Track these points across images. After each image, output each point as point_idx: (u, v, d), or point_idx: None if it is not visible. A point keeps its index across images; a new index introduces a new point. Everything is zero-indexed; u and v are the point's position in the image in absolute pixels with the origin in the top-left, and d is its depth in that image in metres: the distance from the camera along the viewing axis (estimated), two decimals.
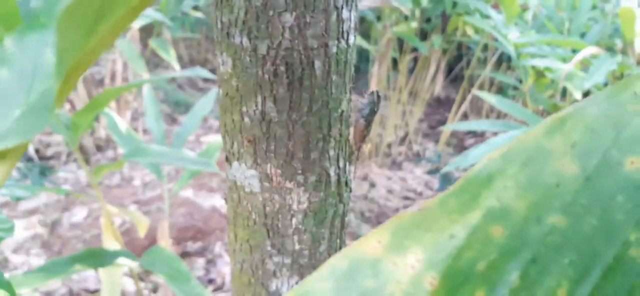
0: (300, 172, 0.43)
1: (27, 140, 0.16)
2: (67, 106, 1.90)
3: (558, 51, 1.82)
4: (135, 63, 1.74)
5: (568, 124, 0.19)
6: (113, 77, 1.92)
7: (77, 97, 1.86)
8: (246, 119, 0.41)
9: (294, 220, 0.44)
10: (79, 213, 1.60)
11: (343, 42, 0.41)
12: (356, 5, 0.41)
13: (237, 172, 0.44)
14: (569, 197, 0.18)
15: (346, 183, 0.46)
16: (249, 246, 0.46)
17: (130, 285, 1.45)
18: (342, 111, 0.43)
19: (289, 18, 0.38)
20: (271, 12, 0.37)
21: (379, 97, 0.47)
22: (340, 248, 0.49)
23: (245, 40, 0.39)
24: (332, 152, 0.44)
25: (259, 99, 0.40)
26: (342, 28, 0.40)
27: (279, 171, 0.42)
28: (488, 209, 0.18)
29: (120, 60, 1.90)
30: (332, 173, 0.44)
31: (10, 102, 0.18)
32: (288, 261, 0.46)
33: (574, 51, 1.77)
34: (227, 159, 0.45)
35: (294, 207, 0.44)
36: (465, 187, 0.19)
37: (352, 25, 0.41)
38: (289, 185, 0.43)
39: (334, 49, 0.40)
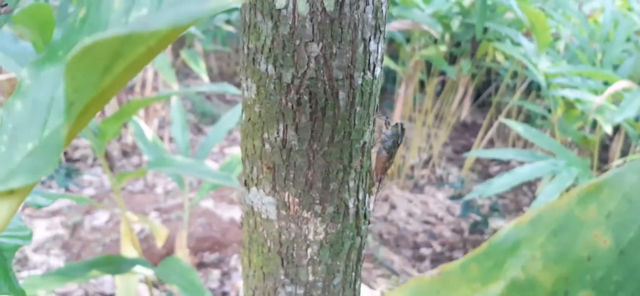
0: (318, 202, 0.42)
1: (36, 181, 0.16)
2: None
3: (589, 83, 1.78)
4: (166, 73, 1.77)
5: (604, 192, 0.17)
6: (143, 85, 1.95)
7: (108, 103, 1.89)
8: (267, 146, 0.41)
9: (309, 251, 0.43)
10: (100, 217, 1.62)
11: (369, 74, 0.40)
12: (384, 38, 0.41)
13: (255, 198, 0.43)
14: (601, 272, 0.16)
15: (365, 216, 0.45)
16: (262, 273, 0.45)
17: (145, 291, 1.46)
18: (365, 142, 0.42)
19: (315, 48, 0.37)
20: (298, 42, 0.37)
21: (403, 129, 0.46)
22: (356, 281, 0.47)
23: (270, 68, 0.38)
24: (352, 184, 0.43)
25: (281, 127, 0.40)
26: (369, 60, 0.39)
27: (296, 200, 0.42)
28: (512, 280, 0.17)
29: (151, 68, 1.93)
30: (350, 204, 0.43)
31: (23, 136, 0.18)
32: (301, 291, 0.45)
33: (606, 84, 1.73)
34: (245, 184, 0.44)
35: (310, 237, 0.43)
36: (490, 253, 0.18)
37: (379, 57, 0.40)
38: (306, 214, 0.42)
39: (359, 81, 0.39)
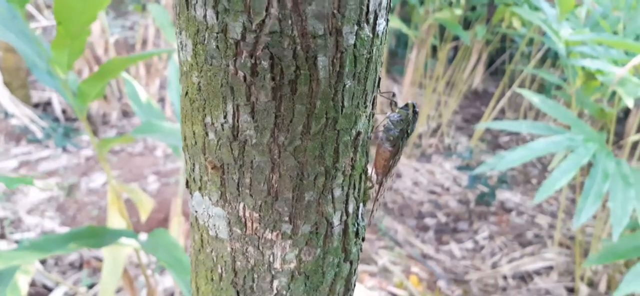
0: (287, 218, 0.27)
1: None
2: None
3: (611, 53, 1.60)
4: (167, 30, 1.61)
5: None
6: (144, 43, 1.80)
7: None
8: (211, 135, 0.26)
9: (275, 283, 0.29)
10: (97, 179, 1.49)
11: (366, 29, 0.24)
12: None
13: (199, 207, 0.29)
14: None
15: (357, 233, 0.30)
16: None
17: (143, 257, 1.34)
18: (358, 133, 0.27)
19: None
20: None
21: (415, 112, 0.30)
22: None
23: (210, 15, 0.23)
24: (337, 192, 0.28)
25: (230, 108, 0.25)
26: (367, 6, 0.24)
27: (256, 214, 0.27)
28: None
29: (152, 26, 1.77)
30: (335, 221, 0.28)
31: None
32: None
33: (627, 54, 1.54)
34: (187, 184, 0.30)
35: (277, 265, 0.28)
36: None
37: (384, 2, 0.25)
38: (269, 235, 0.27)
39: (351, 39, 0.24)
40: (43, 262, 1.32)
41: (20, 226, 1.33)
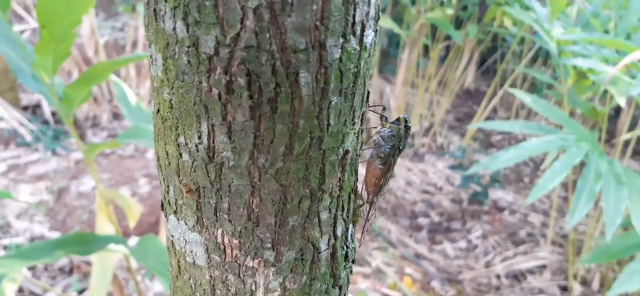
0: (269, 244, 0.25)
1: None
2: None
3: (603, 51, 1.59)
4: None
5: None
6: (135, 44, 1.76)
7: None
8: (185, 156, 0.24)
9: None
10: (87, 183, 1.46)
11: (353, 42, 0.22)
12: None
13: (175, 231, 0.27)
14: None
15: (346, 257, 0.28)
16: None
17: (133, 261, 1.32)
18: (346, 151, 0.25)
19: None
20: None
21: (408, 126, 0.28)
22: None
23: (180, 27, 0.21)
24: (324, 215, 0.26)
25: (204, 127, 0.22)
26: (353, 16, 0.21)
27: (235, 241, 0.25)
28: None
29: (142, 27, 1.74)
30: (322, 245, 0.26)
31: None
32: None
33: (618, 53, 1.54)
34: (162, 207, 0.27)
35: (259, 294, 0.26)
36: None
37: (372, 12, 0.22)
38: (251, 262, 0.25)
39: (336, 53, 0.22)
40: (32, 267, 1.29)
41: (9, 231, 1.30)
